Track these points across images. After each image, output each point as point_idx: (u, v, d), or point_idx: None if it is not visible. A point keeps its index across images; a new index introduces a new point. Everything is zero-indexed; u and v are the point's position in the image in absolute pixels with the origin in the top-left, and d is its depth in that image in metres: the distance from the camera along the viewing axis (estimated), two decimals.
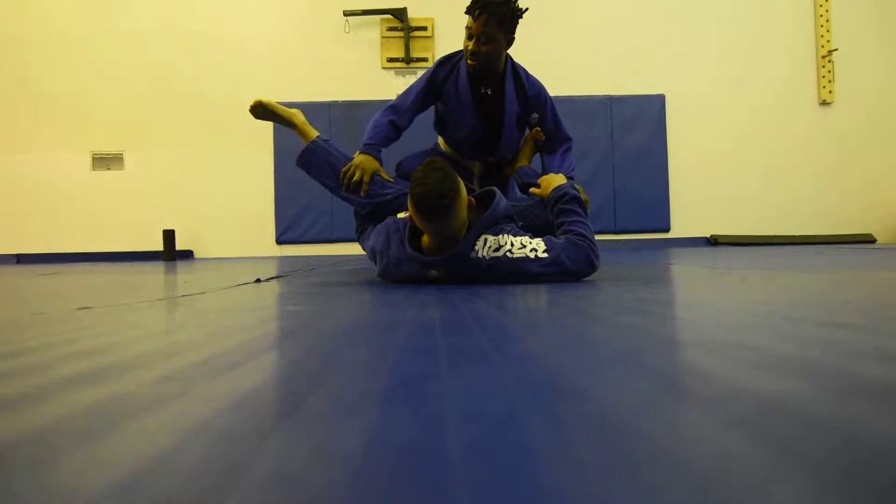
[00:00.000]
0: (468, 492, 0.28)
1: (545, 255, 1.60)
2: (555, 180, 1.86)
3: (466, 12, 2.01)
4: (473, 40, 2.03)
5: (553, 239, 1.65)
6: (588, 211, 1.81)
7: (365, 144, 2.15)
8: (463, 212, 1.60)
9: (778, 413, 0.40)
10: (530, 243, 1.62)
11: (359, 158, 2.10)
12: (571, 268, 1.62)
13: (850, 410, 0.40)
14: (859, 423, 0.38)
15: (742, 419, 0.39)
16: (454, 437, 0.37)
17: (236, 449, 0.35)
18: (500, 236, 1.63)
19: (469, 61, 2.08)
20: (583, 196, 1.83)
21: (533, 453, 0.34)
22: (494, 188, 1.79)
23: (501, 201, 1.71)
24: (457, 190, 1.56)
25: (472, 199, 1.68)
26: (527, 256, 1.59)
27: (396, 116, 2.22)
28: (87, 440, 0.38)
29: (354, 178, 2.07)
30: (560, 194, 1.78)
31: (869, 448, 0.33)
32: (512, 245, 1.61)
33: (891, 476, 0.29)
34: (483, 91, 2.19)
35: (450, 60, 2.22)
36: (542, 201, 1.88)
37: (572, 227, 1.70)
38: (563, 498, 0.27)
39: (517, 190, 2.28)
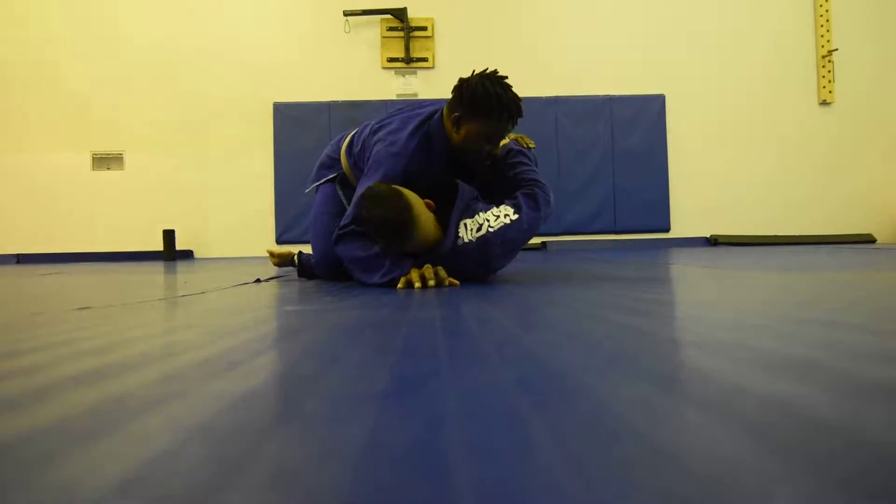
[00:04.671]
0: (468, 492, 0.28)
1: (516, 216, 1.68)
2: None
3: (495, 117, 1.73)
4: (495, 146, 1.80)
5: (512, 200, 1.74)
6: (534, 153, 2.00)
7: (391, 280, 1.67)
8: (424, 217, 1.64)
9: (778, 413, 0.40)
10: (501, 211, 1.70)
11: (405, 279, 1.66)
12: (537, 216, 1.72)
13: (852, 411, 0.40)
14: (860, 423, 0.38)
15: (742, 419, 0.39)
16: (454, 437, 0.37)
17: (236, 449, 0.35)
18: (477, 216, 1.70)
19: (484, 164, 1.84)
20: (526, 143, 2.02)
21: (533, 453, 0.33)
22: (455, 179, 1.84)
23: (465, 187, 1.78)
24: (409, 208, 1.60)
25: (431, 201, 1.71)
26: (505, 224, 1.67)
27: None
28: (87, 440, 0.38)
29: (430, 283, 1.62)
30: (505, 151, 1.92)
31: (870, 449, 0.33)
32: (488, 220, 1.68)
33: (892, 477, 0.29)
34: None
35: (420, 147, 1.79)
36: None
37: (522, 175, 1.82)
38: (563, 498, 0.27)
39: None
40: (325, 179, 2.18)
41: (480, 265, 1.69)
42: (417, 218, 1.62)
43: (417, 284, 1.60)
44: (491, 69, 1.80)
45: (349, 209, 1.83)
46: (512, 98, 1.74)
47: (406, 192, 1.65)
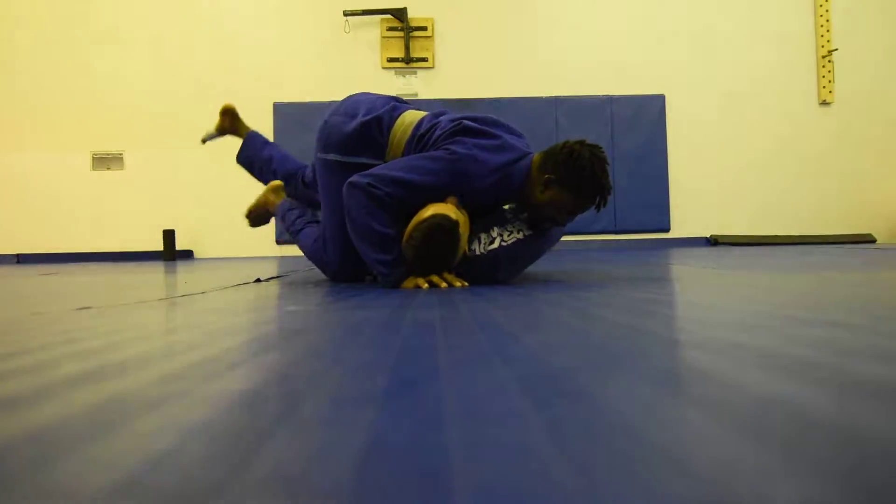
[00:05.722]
0: (468, 492, 0.28)
1: (529, 232, 1.71)
2: None
3: (588, 201, 1.69)
4: (572, 218, 1.76)
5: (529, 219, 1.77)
6: None
7: (388, 275, 1.65)
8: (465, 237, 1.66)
9: (778, 413, 0.40)
10: (516, 227, 1.72)
11: (411, 284, 1.63)
12: (549, 232, 1.75)
13: (850, 410, 0.40)
14: (859, 423, 0.38)
15: (742, 419, 0.39)
16: (454, 437, 0.37)
17: (236, 449, 0.35)
18: (492, 230, 1.72)
19: (547, 224, 1.77)
20: None
21: (533, 453, 0.33)
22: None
23: (497, 209, 1.81)
24: (460, 242, 1.59)
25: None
26: (518, 239, 1.70)
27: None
28: (87, 440, 0.38)
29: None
30: None
31: (868, 448, 0.33)
32: (502, 235, 1.70)
33: (890, 476, 0.29)
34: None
35: (502, 181, 1.68)
36: None
37: None
38: (563, 498, 0.27)
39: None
40: (353, 161, 1.83)
41: (486, 276, 1.71)
42: (463, 246, 1.62)
43: (425, 286, 1.60)
44: (589, 141, 1.72)
45: (386, 171, 1.65)
46: (609, 186, 1.68)
47: (463, 221, 1.61)
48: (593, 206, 1.70)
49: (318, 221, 2.17)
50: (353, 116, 1.86)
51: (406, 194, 1.63)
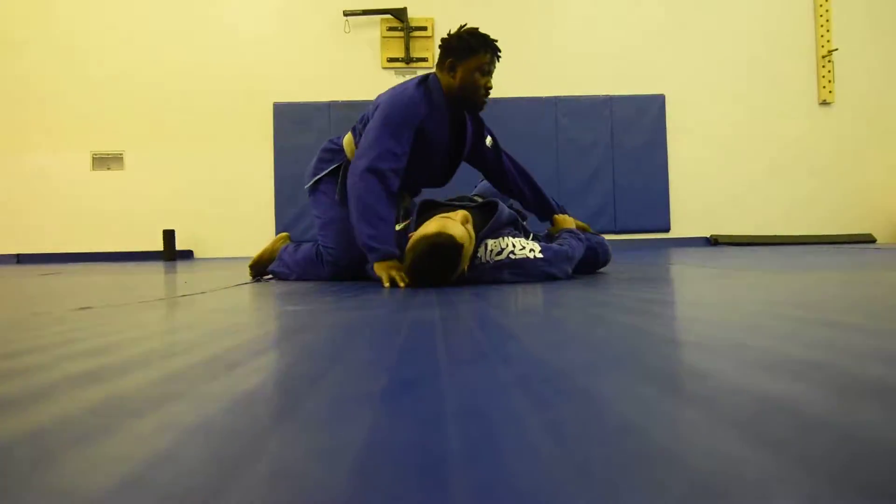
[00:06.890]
0: (468, 492, 0.28)
1: (541, 254, 1.72)
2: (566, 222, 2.15)
3: (483, 51, 1.95)
4: (489, 77, 1.99)
5: (545, 244, 1.80)
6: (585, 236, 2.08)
7: (375, 250, 1.76)
8: (467, 253, 1.65)
9: (778, 413, 0.40)
10: (528, 244, 1.73)
11: (381, 269, 1.74)
12: (555, 267, 1.76)
13: (850, 410, 0.40)
14: (859, 423, 0.38)
15: (742, 419, 0.39)
16: (454, 438, 0.37)
17: (236, 449, 0.35)
18: (501, 239, 1.73)
19: (484, 99, 2.02)
20: (584, 227, 2.21)
21: (533, 453, 0.33)
22: (496, 200, 1.89)
23: (504, 211, 1.81)
24: (461, 259, 1.60)
25: (469, 213, 1.73)
26: (527, 257, 1.70)
27: (395, 167, 1.87)
28: (87, 440, 0.38)
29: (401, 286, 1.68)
30: (566, 231, 2.05)
31: (868, 448, 0.33)
32: (513, 247, 1.71)
33: (890, 476, 0.29)
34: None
35: (425, 96, 1.96)
36: (549, 235, 2.12)
37: (565, 241, 1.92)
38: (563, 498, 0.27)
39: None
40: (325, 172, 2.22)
41: (489, 280, 1.72)
42: (463, 266, 1.64)
43: (386, 284, 1.66)
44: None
45: (378, 148, 1.86)
46: (488, 35, 1.99)
47: (469, 239, 1.62)
48: (494, 56, 1.98)
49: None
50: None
51: (392, 146, 1.85)
